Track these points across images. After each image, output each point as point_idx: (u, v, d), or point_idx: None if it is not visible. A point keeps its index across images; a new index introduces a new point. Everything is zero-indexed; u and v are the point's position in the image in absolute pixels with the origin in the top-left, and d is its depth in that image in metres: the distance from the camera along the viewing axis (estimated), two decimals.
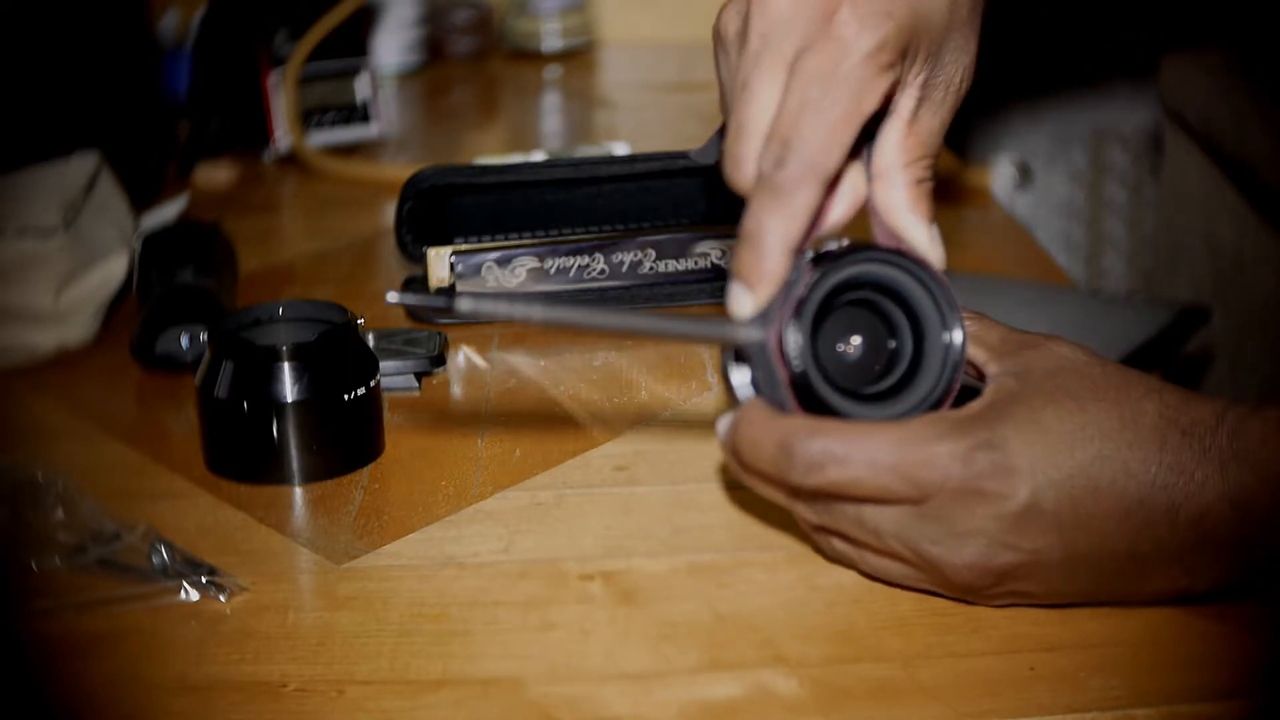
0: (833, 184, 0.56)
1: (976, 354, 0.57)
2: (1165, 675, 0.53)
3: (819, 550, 0.60)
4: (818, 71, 0.53)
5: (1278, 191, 1.06)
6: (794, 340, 0.54)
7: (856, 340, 0.57)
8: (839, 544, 0.57)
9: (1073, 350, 0.55)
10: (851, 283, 0.56)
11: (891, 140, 0.58)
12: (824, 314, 0.55)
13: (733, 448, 0.55)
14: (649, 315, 0.55)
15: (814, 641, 0.56)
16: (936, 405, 0.56)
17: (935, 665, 0.54)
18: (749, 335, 0.55)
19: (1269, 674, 0.53)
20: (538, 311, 0.52)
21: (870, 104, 0.53)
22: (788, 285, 0.54)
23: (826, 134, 0.53)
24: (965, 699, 0.52)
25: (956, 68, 0.58)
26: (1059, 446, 0.52)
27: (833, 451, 0.52)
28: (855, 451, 0.52)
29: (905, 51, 0.55)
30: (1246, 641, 0.54)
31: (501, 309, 0.51)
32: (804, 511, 0.56)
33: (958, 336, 0.56)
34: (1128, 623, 0.56)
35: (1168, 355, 0.84)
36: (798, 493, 0.55)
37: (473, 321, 0.84)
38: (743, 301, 0.54)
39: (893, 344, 0.57)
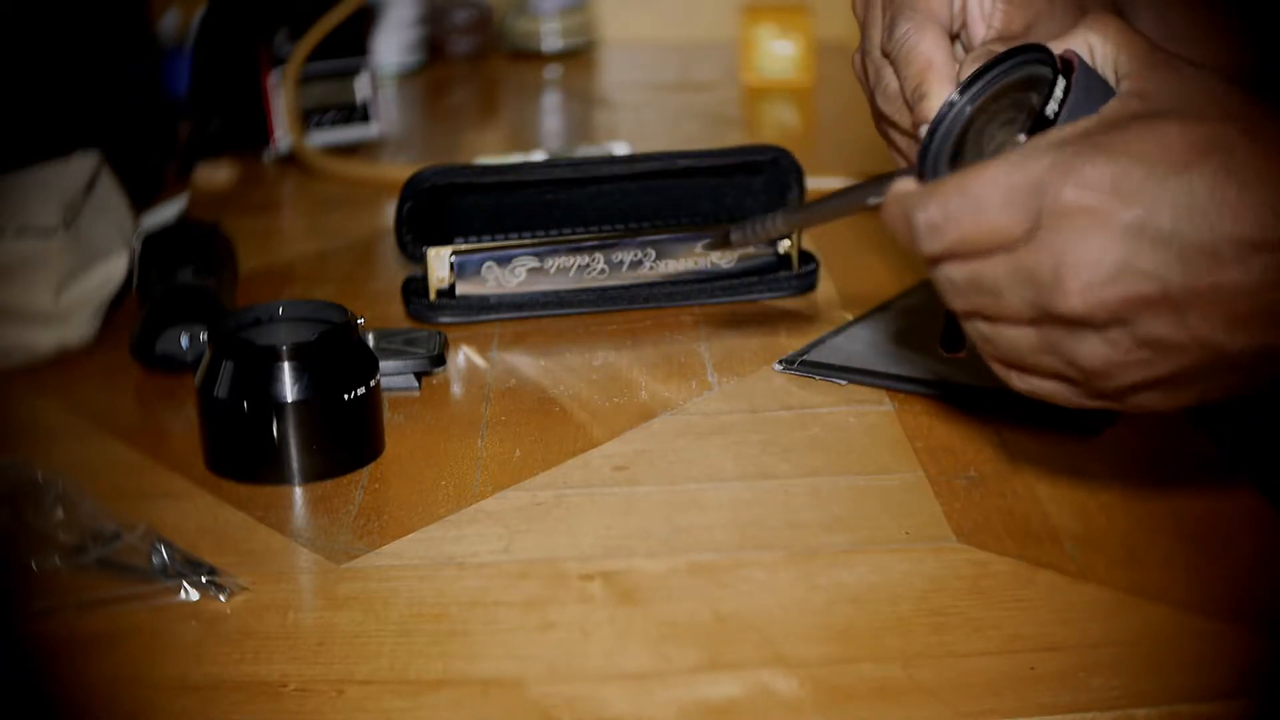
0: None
1: (1121, 59, 0.52)
2: (1165, 675, 0.53)
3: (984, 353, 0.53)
4: None
5: None
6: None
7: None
8: (983, 326, 0.52)
9: (1211, 75, 0.51)
10: (1010, 85, 0.54)
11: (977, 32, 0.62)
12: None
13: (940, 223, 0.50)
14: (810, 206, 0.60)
15: (814, 641, 0.56)
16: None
17: (935, 665, 0.54)
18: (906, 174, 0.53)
19: (1269, 674, 0.54)
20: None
21: None
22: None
23: None
24: (965, 699, 0.52)
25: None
26: (1178, 156, 0.47)
27: (946, 212, 0.49)
28: (965, 202, 0.49)
29: None
30: (1246, 641, 0.54)
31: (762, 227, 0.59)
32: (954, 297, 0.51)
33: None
34: (1128, 623, 0.56)
35: None
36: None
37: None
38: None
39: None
